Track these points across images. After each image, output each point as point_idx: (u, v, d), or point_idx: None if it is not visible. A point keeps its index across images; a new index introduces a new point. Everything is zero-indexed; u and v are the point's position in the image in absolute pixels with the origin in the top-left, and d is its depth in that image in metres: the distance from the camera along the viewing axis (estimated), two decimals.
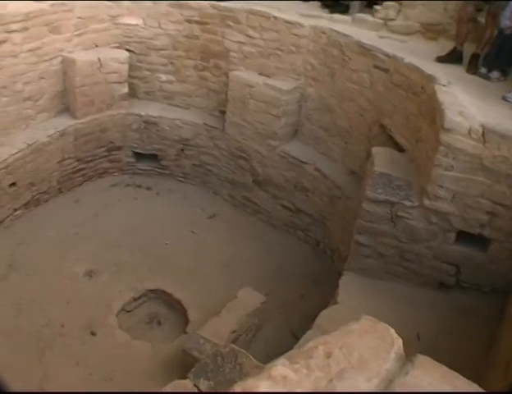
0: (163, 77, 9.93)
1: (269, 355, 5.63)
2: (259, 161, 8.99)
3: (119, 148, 10.06)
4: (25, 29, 8.43)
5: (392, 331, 1.75)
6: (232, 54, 9.05)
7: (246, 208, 9.43)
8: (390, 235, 6.09)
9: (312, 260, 8.35)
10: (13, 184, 8.56)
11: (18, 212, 8.77)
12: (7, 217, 8.57)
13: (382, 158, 6.46)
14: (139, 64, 9.86)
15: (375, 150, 6.64)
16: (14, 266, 7.86)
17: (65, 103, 9.48)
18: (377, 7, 8.37)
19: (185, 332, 6.93)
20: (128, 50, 9.68)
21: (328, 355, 1.53)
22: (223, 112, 9.39)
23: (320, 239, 8.46)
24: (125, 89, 9.65)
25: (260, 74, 8.80)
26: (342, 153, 8.17)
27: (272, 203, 9.03)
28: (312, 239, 8.61)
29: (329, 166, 8.30)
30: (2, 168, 8.29)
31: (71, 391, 5.99)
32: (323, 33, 8.02)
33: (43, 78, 8.95)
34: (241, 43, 8.88)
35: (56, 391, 5.97)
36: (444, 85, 6.15)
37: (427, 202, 5.78)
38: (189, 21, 9.31)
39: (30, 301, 7.25)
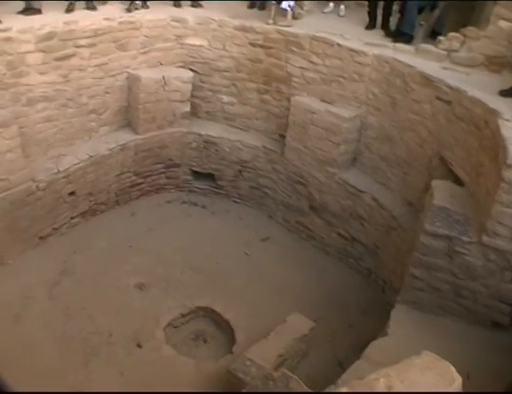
0: (225, 98, 10.02)
1: (313, 383, 5.57)
2: (317, 187, 8.94)
3: (177, 166, 10.19)
4: (93, 44, 8.74)
5: (453, 369, 1.69)
6: (295, 79, 9.05)
7: (300, 233, 9.38)
8: (445, 270, 5.96)
9: (362, 290, 8.25)
10: (72, 193, 8.86)
11: (75, 220, 9.03)
12: (64, 224, 8.85)
13: (442, 192, 6.34)
14: (201, 84, 9.99)
15: (435, 183, 6.52)
16: (66, 272, 8.07)
17: (127, 118, 9.73)
18: (441, 38, 8.25)
19: (231, 352, 6.92)
20: (192, 70, 9.82)
21: (389, 388, 1.49)
22: (282, 136, 9.39)
23: (372, 269, 8.34)
24: (187, 108, 9.78)
25: (322, 100, 8.76)
26: (400, 183, 8.05)
27: (327, 229, 8.95)
28: (364, 268, 8.50)
29: (386, 196, 8.18)
30: (64, 177, 8.59)
31: None
32: (386, 62, 7.95)
33: (107, 93, 9.22)
34: (304, 68, 8.87)
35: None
36: (508, 120, 5.99)
37: (485, 238, 5.63)
38: (253, 45, 9.38)
39: (80, 308, 7.42)
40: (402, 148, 7.91)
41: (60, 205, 8.69)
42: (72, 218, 8.97)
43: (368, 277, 8.43)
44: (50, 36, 8.16)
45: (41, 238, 8.52)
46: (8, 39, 7.75)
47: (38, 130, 8.50)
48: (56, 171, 8.49)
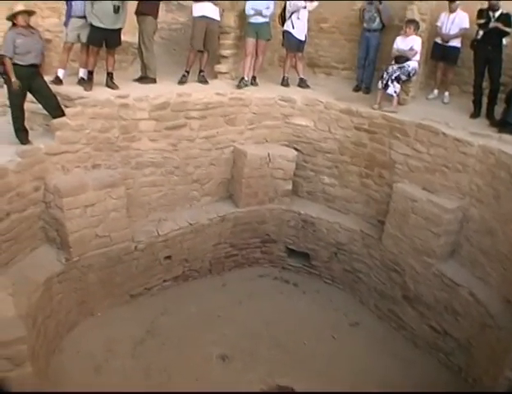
0: (326, 180, 10.13)
1: None
2: (412, 276, 8.73)
3: (273, 242, 10.33)
4: (204, 117, 9.21)
5: None
6: (397, 166, 9.05)
7: (391, 322, 9.13)
8: None
9: (450, 387, 7.82)
10: (168, 257, 9.21)
11: (167, 283, 9.34)
12: (156, 285, 9.17)
13: None
14: (304, 164, 10.19)
15: None
16: (152, 333, 8.26)
17: (229, 191, 10.06)
18: None
19: None
20: (296, 149, 10.07)
21: None
22: (381, 222, 9.33)
23: (463, 366, 7.93)
24: (289, 187, 9.99)
25: (424, 189, 8.66)
26: (500, 279, 7.72)
27: (419, 321, 8.66)
28: (454, 364, 8.10)
29: (484, 291, 7.83)
30: (162, 241, 8.97)
31: None
32: (492, 153, 7.79)
33: (213, 164, 9.63)
34: (407, 155, 8.86)
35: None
36: None
37: None
38: (358, 129, 9.52)
39: (161, 369, 7.54)
40: (504, 242, 7.63)
41: (155, 267, 9.04)
42: (165, 281, 9.28)
43: (457, 374, 8.02)
44: (163, 106, 8.72)
45: (132, 296, 8.85)
46: (125, 106, 8.38)
47: (143, 193, 8.97)
48: (155, 234, 8.90)
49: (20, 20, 7.67)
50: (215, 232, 9.63)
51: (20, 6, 7.87)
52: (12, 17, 7.71)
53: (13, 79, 7.63)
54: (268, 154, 9.66)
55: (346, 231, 9.78)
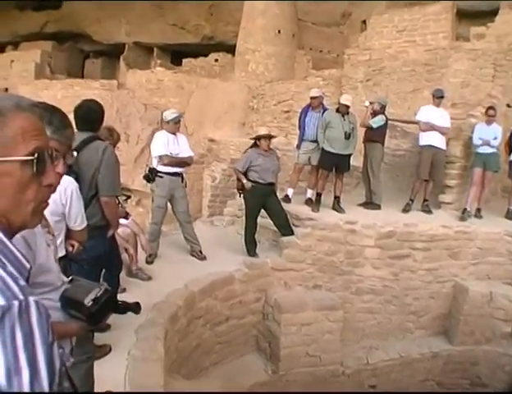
0: None
1: None
2: None
3: (483, 385, 9.86)
4: (428, 249, 9.30)
5: None
6: None
7: None
8: None
9: None
10: (373, 386, 9.19)
11: None
12: None
13: None
14: None
15: None
16: None
17: (444, 326, 9.90)
18: None
19: None
20: None
21: None
22: None
23: None
24: (509, 329, 9.58)
25: None
26: None
27: None
28: None
29: None
30: (370, 370, 9.03)
31: None
32: None
33: (432, 298, 9.59)
34: None
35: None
36: None
37: None
38: None
39: None
40: None
41: None
42: None
43: None
44: (390, 235, 8.98)
45: None
46: (352, 231, 8.77)
47: (358, 319, 9.15)
48: (365, 362, 8.98)
49: (263, 143, 8.51)
50: (425, 368, 9.48)
51: (264, 130, 8.78)
52: (256, 139, 8.60)
53: (244, 180, 8.46)
54: (490, 293, 9.46)
55: None
